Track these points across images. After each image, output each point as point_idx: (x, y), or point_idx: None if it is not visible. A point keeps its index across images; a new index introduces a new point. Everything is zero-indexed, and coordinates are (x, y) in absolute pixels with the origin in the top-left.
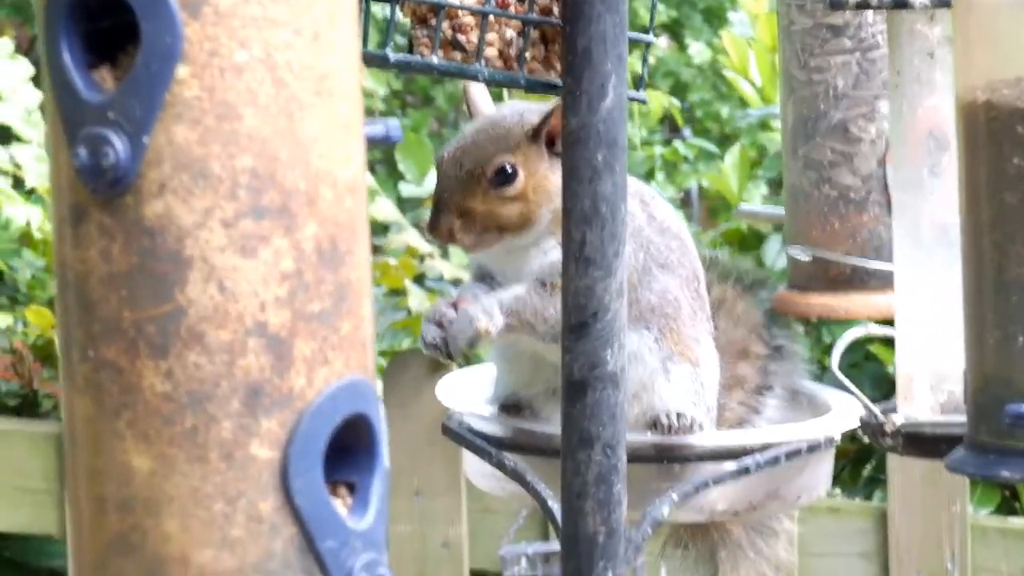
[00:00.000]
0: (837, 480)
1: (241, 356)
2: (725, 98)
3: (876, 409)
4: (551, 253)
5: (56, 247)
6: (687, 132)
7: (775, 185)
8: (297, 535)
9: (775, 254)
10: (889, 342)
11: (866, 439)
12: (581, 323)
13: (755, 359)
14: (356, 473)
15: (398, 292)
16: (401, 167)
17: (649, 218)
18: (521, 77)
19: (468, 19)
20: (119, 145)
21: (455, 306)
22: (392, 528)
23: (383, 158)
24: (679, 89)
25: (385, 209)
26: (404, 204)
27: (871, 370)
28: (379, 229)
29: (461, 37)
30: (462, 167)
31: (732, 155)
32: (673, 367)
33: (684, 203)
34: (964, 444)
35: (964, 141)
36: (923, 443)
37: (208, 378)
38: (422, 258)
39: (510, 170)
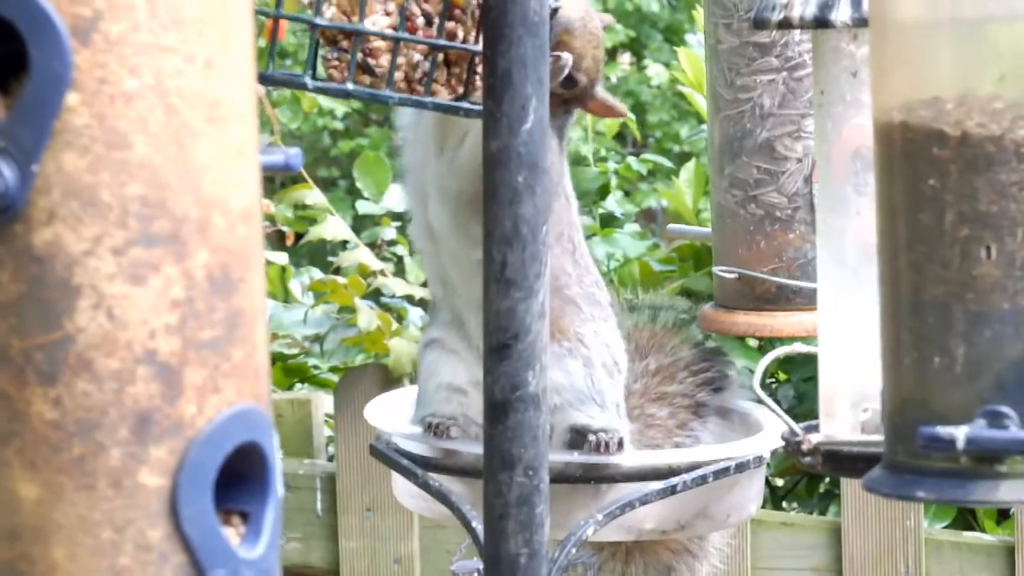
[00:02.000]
0: (792, 494)
1: (130, 384)
2: (684, 118)
3: (796, 427)
4: None
5: None
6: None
7: None
8: (186, 564)
9: None
10: None
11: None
12: (503, 344)
13: (685, 386)
14: (249, 502)
15: (348, 310)
16: (359, 184)
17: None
18: (428, 100)
19: (379, 43)
20: (8, 173)
21: None
22: (344, 544)
23: (342, 174)
24: (639, 109)
25: (335, 227)
26: (362, 221)
27: (811, 385)
28: (332, 248)
29: (371, 61)
30: None
31: (687, 171)
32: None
33: (648, 220)
34: (881, 464)
35: (881, 162)
36: (841, 462)
37: (97, 406)
38: (374, 275)
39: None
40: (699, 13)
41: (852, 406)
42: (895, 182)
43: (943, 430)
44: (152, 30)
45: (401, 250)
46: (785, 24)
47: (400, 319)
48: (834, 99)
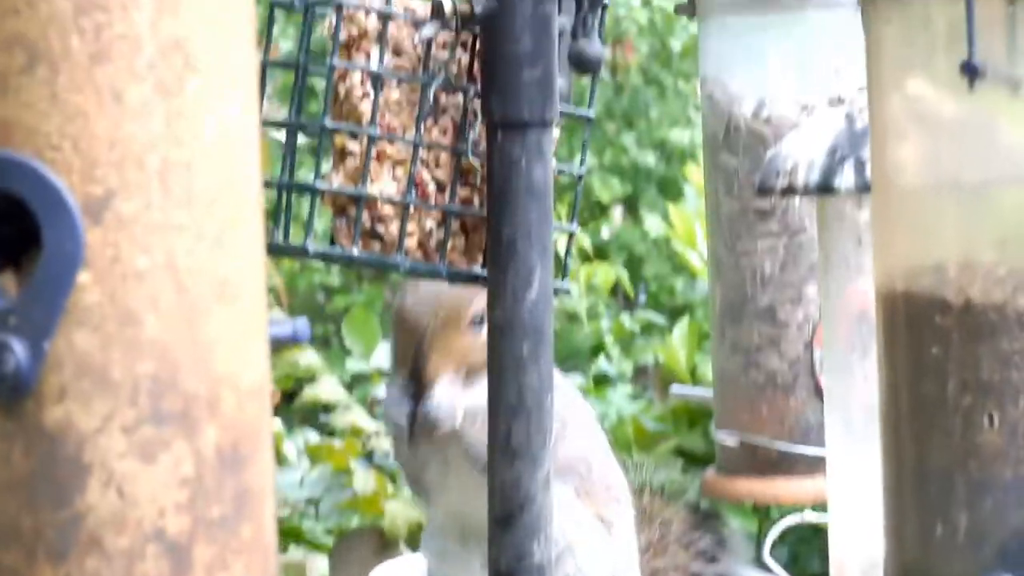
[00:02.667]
0: None
1: (140, 561)
2: (679, 271)
3: None
4: None
5: None
6: (642, 297)
7: None
8: None
9: None
10: None
11: None
12: (507, 515)
13: (679, 558)
14: None
15: (343, 472)
16: (347, 342)
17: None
18: (443, 268)
19: (388, 210)
20: (19, 350)
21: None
22: None
23: (336, 330)
24: (633, 262)
25: (328, 388)
26: (353, 381)
27: (820, 544)
28: (325, 408)
29: (380, 227)
30: (438, 313)
31: (681, 328)
32: (587, 522)
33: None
34: None
35: (883, 329)
36: None
37: None
38: (368, 436)
39: (483, 312)
40: (692, 170)
41: (863, 574)
42: (897, 349)
43: None
44: (164, 209)
45: None
46: (789, 191)
47: (394, 480)
48: (838, 263)
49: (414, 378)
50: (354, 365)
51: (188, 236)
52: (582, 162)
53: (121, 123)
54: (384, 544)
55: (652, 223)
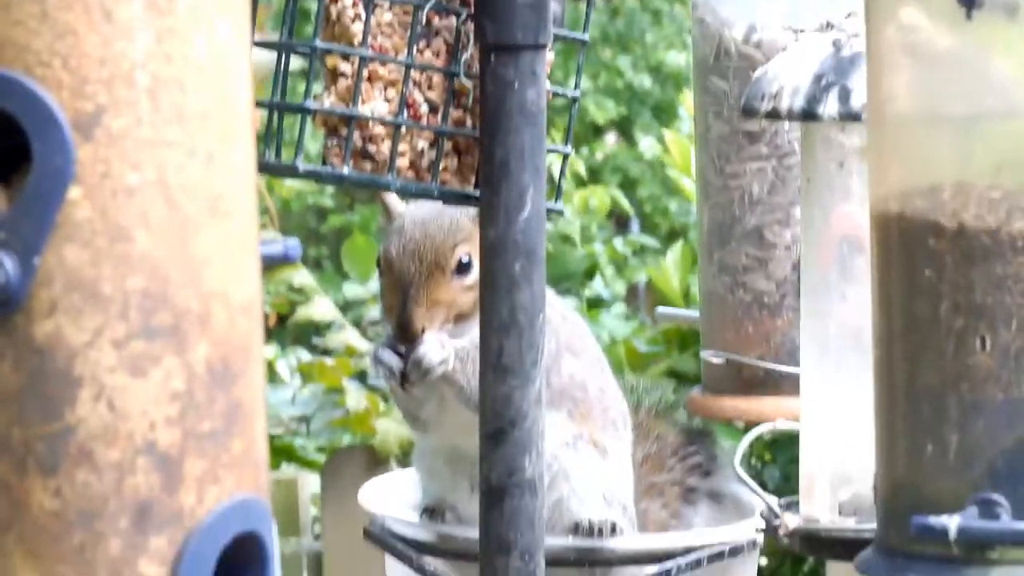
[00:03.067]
0: (777, 575)
1: (130, 474)
2: (674, 193)
3: (776, 507)
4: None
5: None
6: (635, 225)
7: None
8: None
9: None
10: None
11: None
12: (498, 430)
13: (675, 473)
14: None
15: (336, 390)
16: (346, 267)
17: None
18: (434, 188)
19: (379, 130)
20: (9, 265)
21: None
22: None
23: (331, 254)
24: (628, 184)
25: (323, 308)
26: (348, 304)
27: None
28: (318, 328)
29: (371, 147)
30: (423, 261)
31: (674, 252)
32: (582, 446)
33: (631, 298)
34: (873, 546)
35: (877, 251)
36: (819, 543)
37: (97, 496)
38: (360, 356)
39: (467, 259)
40: (687, 95)
41: (831, 488)
42: (891, 272)
43: (935, 520)
44: (154, 125)
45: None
46: (773, 115)
47: (386, 400)
48: (820, 188)
49: (402, 328)
50: (351, 290)
51: (179, 152)
52: (577, 85)
53: (111, 40)
54: (375, 461)
55: (646, 145)
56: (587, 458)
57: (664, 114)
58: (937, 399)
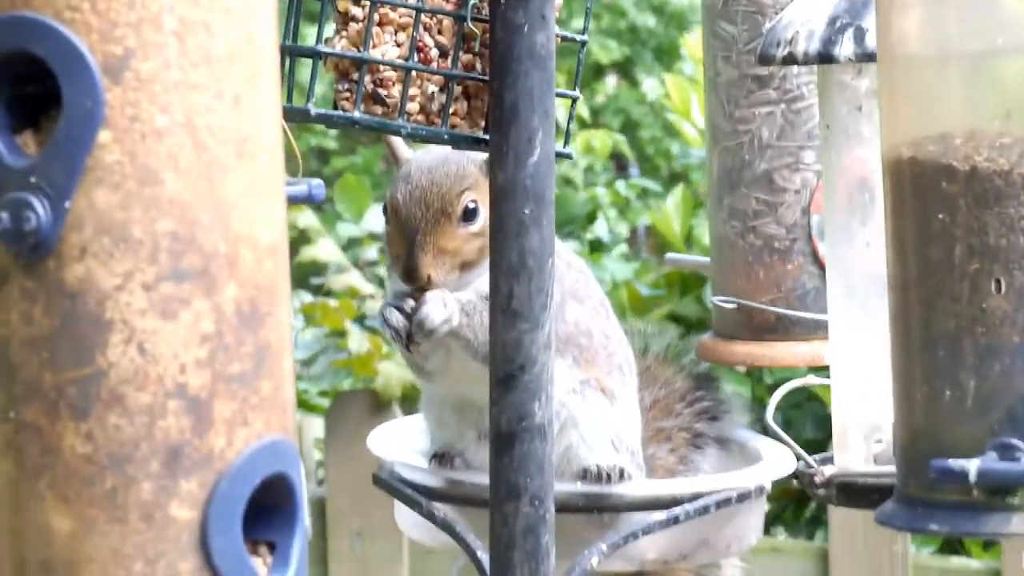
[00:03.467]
0: (779, 520)
1: (161, 418)
2: (675, 135)
3: (810, 459)
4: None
5: None
6: (634, 170)
7: None
8: None
9: None
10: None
11: None
12: (508, 375)
13: (683, 418)
14: (276, 532)
15: (338, 333)
16: (339, 207)
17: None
18: (444, 132)
19: (390, 73)
20: (41, 209)
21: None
22: (334, 568)
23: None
24: (629, 126)
25: (327, 249)
26: (346, 244)
27: (813, 410)
28: (321, 269)
29: (382, 91)
30: (429, 208)
31: (675, 196)
32: (589, 392)
33: (631, 240)
34: (894, 497)
35: (891, 197)
36: (855, 493)
37: (128, 440)
38: (363, 298)
39: (473, 206)
40: (688, 36)
41: (865, 438)
42: (905, 217)
43: (955, 463)
44: (183, 68)
45: (382, 271)
46: (789, 60)
47: (388, 342)
48: (837, 132)
49: (408, 275)
50: (346, 229)
51: (207, 95)
52: (584, 29)
53: None
54: (379, 405)
55: (649, 86)
56: (595, 404)
57: (666, 56)
58: (953, 344)
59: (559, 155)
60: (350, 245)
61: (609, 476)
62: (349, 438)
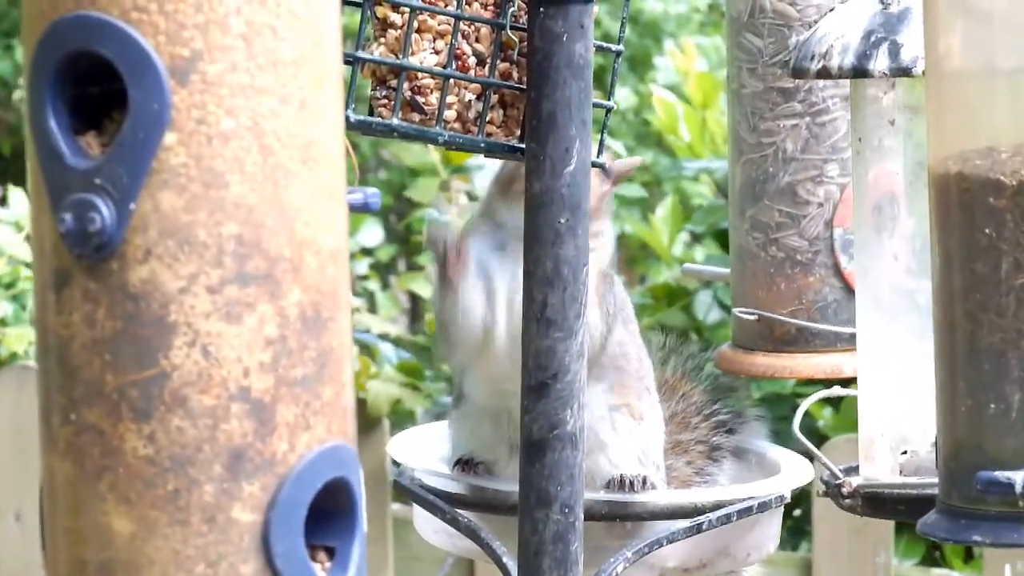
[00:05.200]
0: None
1: (224, 421)
2: (646, 143)
3: (837, 470)
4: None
5: (38, 312)
6: None
7: (699, 237)
8: None
9: (706, 308)
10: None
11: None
12: (541, 383)
13: (700, 431)
14: (335, 537)
15: None
16: None
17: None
18: (481, 140)
19: (428, 81)
20: (105, 211)
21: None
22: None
23: None
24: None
25: None
26: None
27: (801, 424)
28: None
29: (420, 99)
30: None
31: (664, 208)
32: (619, 418)
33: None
34: (936, 508)
35: (936, 211)
36: (882, 504)
37: (191, 442)
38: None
39: None
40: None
41: (891, 449)
42: (951, 230)
43: (1001, 474)
44: (249, 71)
45: (373, 285)
46: (824, 74)
47: (372, 355)
48: (869, 146)
49: None
50: None
51: (273, 99)
52: (620, 38)
53: None
54: (366, 421)
55: (621, 96)
56: (623, 430)
57: (640, 65)
58: (999, 357)
59: (594, 164)
60: None
61: (632, 484)
62: None
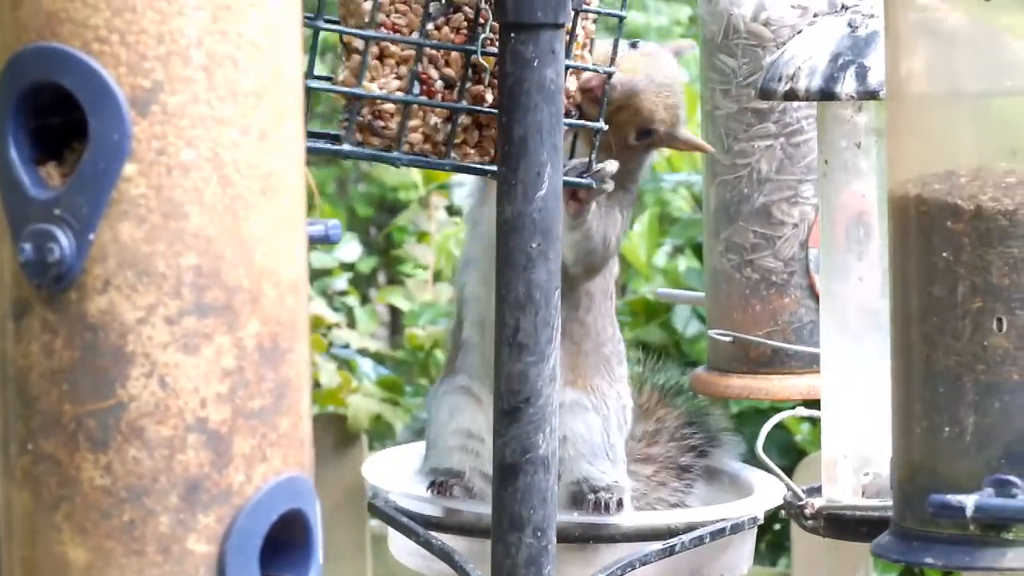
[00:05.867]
0: None
1: (181, 451)
2: None
3: (799, 491)
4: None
5: None
6: None
7: (678, 251)
8: None
9: (684, 322)
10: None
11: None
12: (514, 407)
13: (671, 454)
14: (291, 569)
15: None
16: None
17: None
18: (447, 162)
19: (389, 106)
20: (64, 241)
21: None
22: None
23: None
24: None
25: None
26: (314, 273)
27: (779, 439)
28: None
29: (379, 123)
30: None
31: (642, 223)
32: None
33: None
34: (890, 530)
35: (894, 234)
36: (844, 525)
37: (147, 472)
38: (329, 327)
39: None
40: None
41: (854, 471)
42: (909, 254)
43: (953, 498)
44: (210, 102)
45: (352, 300)
46: (791, 96)
47: (351, 370)
48: (836, 168)
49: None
50: (317, 259)
51: (233, 130)
52: (612, 61)
53: (168, 17)
54: (346, 437)
55: None
56: (589, 422)
57: None
58: (954, 381)
59: (580, 184)
60: (317, 276)
61: (607, 506)
62: (317, 463)
